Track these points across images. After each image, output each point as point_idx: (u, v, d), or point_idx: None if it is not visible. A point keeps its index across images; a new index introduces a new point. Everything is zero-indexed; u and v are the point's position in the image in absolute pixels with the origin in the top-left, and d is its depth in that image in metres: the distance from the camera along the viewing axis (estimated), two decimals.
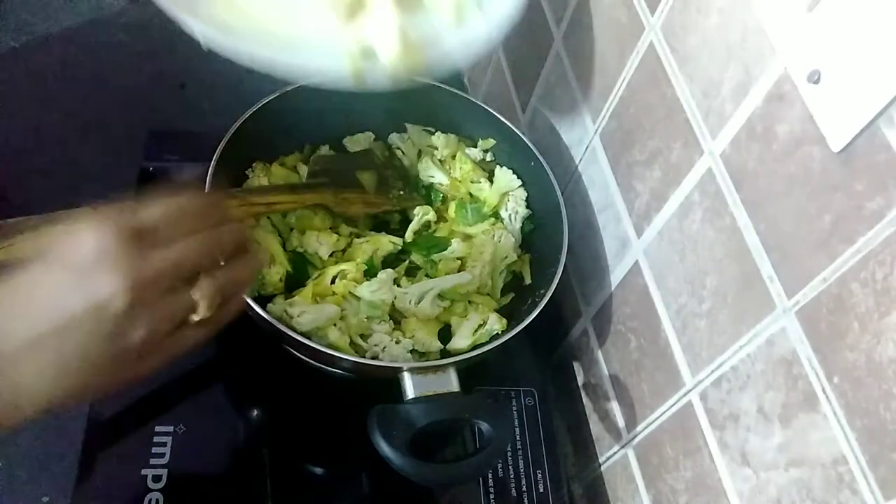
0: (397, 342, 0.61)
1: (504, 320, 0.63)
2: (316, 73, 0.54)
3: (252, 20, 0.56)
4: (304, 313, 0.58)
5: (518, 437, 0.66)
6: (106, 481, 0.56)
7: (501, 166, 0.74)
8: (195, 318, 0.42)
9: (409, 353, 0.61)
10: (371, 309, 0.61)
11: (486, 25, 0.58)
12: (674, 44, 0.54)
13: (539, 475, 0.65)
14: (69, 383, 0.39)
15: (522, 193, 0.73)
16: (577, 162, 0.71)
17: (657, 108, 0.57)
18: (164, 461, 0.58)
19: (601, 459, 0.68)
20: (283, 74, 0.53)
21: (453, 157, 0.75)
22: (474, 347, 0.60)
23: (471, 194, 0.72)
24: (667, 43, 0.55)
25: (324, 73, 0.54)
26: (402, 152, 0.74)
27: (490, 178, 0.73)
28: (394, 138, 0.75)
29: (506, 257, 0.69)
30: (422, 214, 0.69)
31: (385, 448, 0.49)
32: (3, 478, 0.58)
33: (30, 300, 0.39)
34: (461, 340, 0.62)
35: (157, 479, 0.57)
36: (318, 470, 0.63)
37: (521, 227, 0.71)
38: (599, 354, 0.69)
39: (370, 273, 0.63)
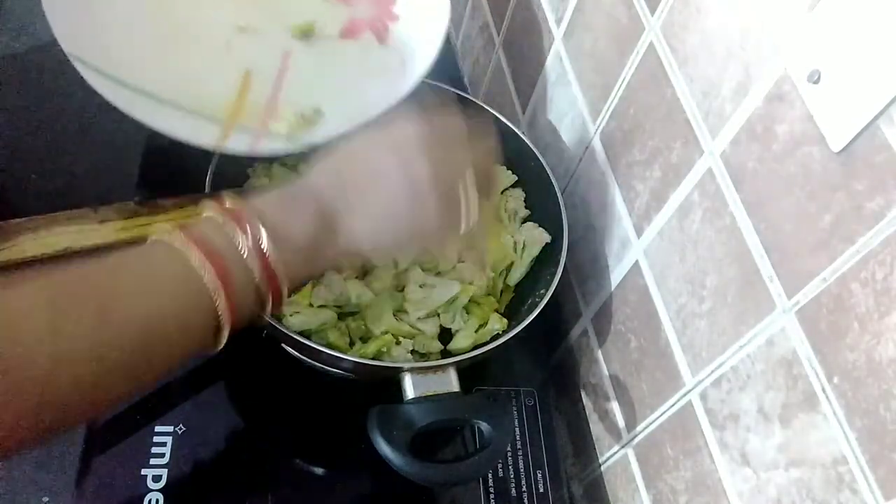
0: (398, 342, 0.61)
1: (504, 320, 0.63)
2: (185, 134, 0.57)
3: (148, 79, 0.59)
4: (297, 314, 0.58)
5: (518, 437, 0.66)
6: (106, 481, 0.56)
7: (495, 164, 0.74)
8: (463, 226, 0.50)
9: (409, 353, 0.61)
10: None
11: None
12: (674, 44, 0.54)
13: (539, 475, 0.65)
14: (381, 239, 0.49)
15: (521, 193, 0.73)
16: (577, 162, 0.71)
17: (657, 108, 0.57)
18: (164, 461, 0.58)
19: (601, 459, 0.69)
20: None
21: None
22: (474, 347, 0.60)
23: None
24: (667, 43, 0.55)
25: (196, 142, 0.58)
26: None
27: None
28: None
29: (505, 257, 0.69)
30: None
31: (385, 448, 0.49)
32: (3, 478, 0.58)
33: (359, 163, 0.48)
34: (461, 340, 0.62)
35: (157, 479, 0.57)
36: (318, 470, 0.63)
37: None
38: (599, 354, 0.69)
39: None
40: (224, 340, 0.43)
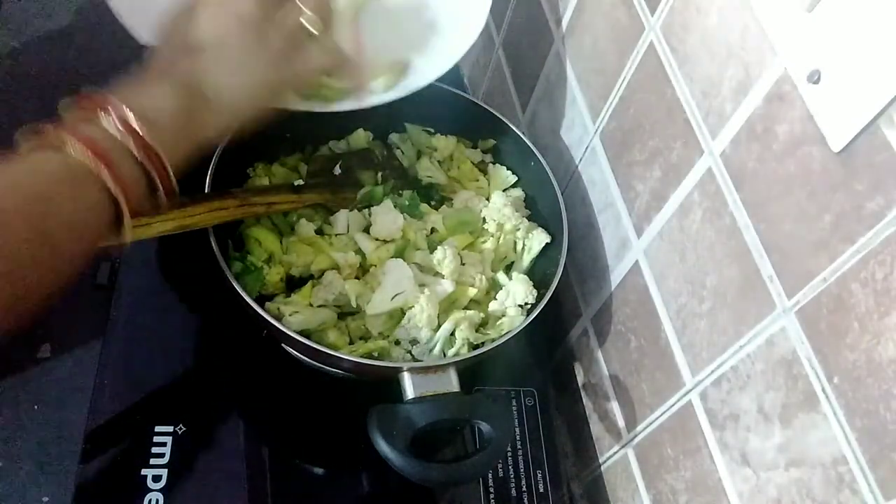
0: (397, 343, 0.61)
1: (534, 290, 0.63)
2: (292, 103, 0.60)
3: None
4: (297, 314, 0.58)
5: (518, 437, 0.66)
6: (106, 481, 0.56)
7: (495, 164, 0.74)
8: (313, 31, 0.54)
9: (409, 353, 0.61)
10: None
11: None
12: (674, 44, 0.54)
13: (539, 475, 0.65)
14: (245, 83, 0.52)
15: (521, 193, 0.73)
16: (577, 162, 0.71)
17: (657, 108, 0.57)
18: (164, 461, 0.58)
19: (601, 459, 0.69)
20: None
21: (452, 157, 0.75)
22: (474, 347, 0.60)
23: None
24: (667, 43, 0.55)
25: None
26: (402, 152, 0.74)
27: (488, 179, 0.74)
28: (393, 138, 0.75)
29: (505, 257, 0.69)
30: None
31: (385, 448, 0.49)
32: (3, 478, 0.58)
33: (193, 23, 0.51)
34: (462, 340, 0.62)
35: (157, 479, 0.57)
36: (318, 470, 0.63)
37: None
38: (599, 354, 0.69)
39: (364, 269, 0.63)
40: (129, 227, 0.44)
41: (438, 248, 0.64)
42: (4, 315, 0.39)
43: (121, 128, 0.44)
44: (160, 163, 0.45)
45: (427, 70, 0.64)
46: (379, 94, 0.62)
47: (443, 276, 0.63)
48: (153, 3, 0.59)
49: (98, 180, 0.42)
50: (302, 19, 0.54)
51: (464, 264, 0.66)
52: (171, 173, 0.46)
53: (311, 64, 0.56)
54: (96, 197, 0.42)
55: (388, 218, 0.65)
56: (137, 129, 0.44)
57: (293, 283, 0.63)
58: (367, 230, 0.66)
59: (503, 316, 0.64)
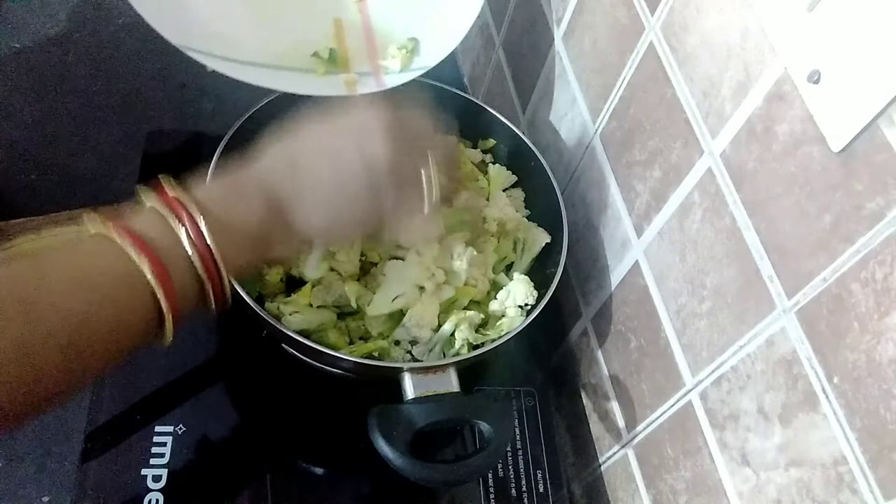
0: (397, 343, 0.61)
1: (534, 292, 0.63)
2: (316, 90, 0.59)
3: (246, 51, 0.60)
4: (297, 314, 0.58)
5: (518, 437, 0.66)
6: (106, 481, 0.56)
7: (495, 164, 0.74)
8: (426, 209, 0.51)
9: (408, 353, 0.61)
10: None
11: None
12: (674, 44, 0.54)
13: (539, 475, 0.65)
14: (335, 224, 0.48)
15: (521, 193, 0.73)
16: (577, 162, 0.71)
17: (657, 108, 0.57)
18: (164, 461, 0.58)
19: (601, 459, 0.68)
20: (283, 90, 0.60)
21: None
22: (474, 347, 0.60)
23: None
24: (667, 43, 0.55)
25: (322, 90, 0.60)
26: None
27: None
28: None
29: (505, 258, 0.69)
30: None
31: (385, 448, 0.49)
32: (3, 478, 0.58)
33: (313, 144, 0.48)
34: (462, 340, 0.62)
35: (157, 479, 0.57)
36: (318, 470, 0.63)
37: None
38: (599, 354, 0.69)
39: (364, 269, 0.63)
40: (171, 333, 0.41)
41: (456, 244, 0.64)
42: (22, 415, 0.36)
43: (192, 236, 0.41)
44: (218, 277, 0.43)
45: (436, 48, 0.64)
46: (395, 73, 0.62)
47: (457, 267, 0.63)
48: (179, 4, 0.60)
49: (148, 287, 0.39)
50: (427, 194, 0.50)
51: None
52: (227, 288, 0.44)
53: (410, 234, 0.54)
54: (143, 302, 0.40)
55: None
56: (209, 243, 0.42)
57: (293, 284, 0.63)
58: None
59: (503, 316, 0.64)
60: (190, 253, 0.41)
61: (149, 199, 0.43)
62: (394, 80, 0.62)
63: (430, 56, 0.63)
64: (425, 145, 0.51)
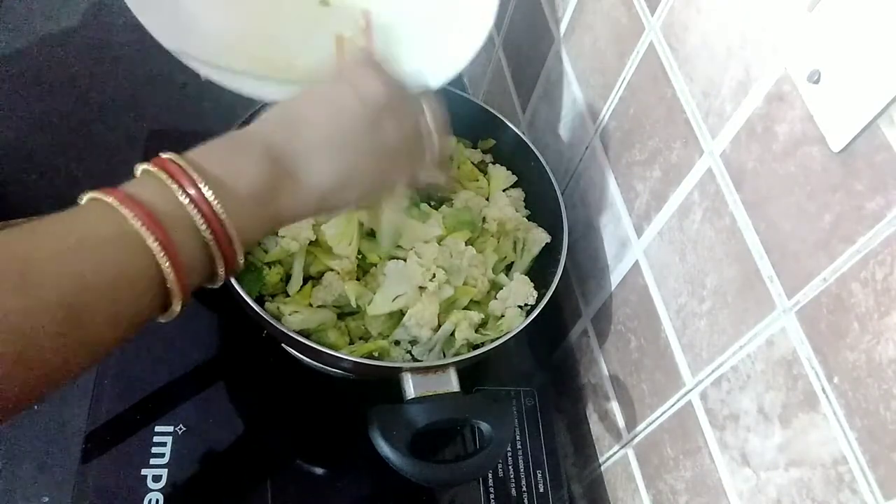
0: (397, 343, 0.61)
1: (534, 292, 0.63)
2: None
3: (242, 60, 0.60)
4: (296, 313, 0.58)
5: (518, 437, 0.66)
6: (106, 481, 0.56)
7: (495, 164, 0.74)
8: (429, 159, 0.51)
9: (408, 353, 0.61)
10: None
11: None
12: (674, 44, 0.54)
13: (539, 475, 0.65)
14: (342, 168, 0.46)
15: (521, 193, 0.73)
16: (577, 162, 0.71)
17: (657, 108, 0.57)
18: (164, 461, 0.58)
19: (601, 459, 0.69)
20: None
21: (452, 157, 0.75)
22: (474, 347, 0.60)
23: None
24: (667, 43, 0.55)
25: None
26: None
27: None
28: None
29: (505, 257, 0.69)
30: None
31: (385, 448, 0.49)
32: (3, 478, 0.58)
33: (311, 98, 0.47)
34: (462, 340, 0.62)
35: (157, 479, 0.57)
36: (319, 470, 0.63)
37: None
38: (599, 354, 0.69)
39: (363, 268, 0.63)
40: (179, 305, 0.39)
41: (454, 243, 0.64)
42: (21, 397, 0.34)
43: (194, 197, 0.39)
44: (228, 241, 0.40)
45: (438, 72, 0.64)
46: None
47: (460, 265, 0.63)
48: (174, 5, 0.60)
49: (149, 251, 0.37)
50: (423, 120, 0.50)
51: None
52: (239, 253, 0.41)
53: (417, 173, 0.51)
54: (144, 267, 0.37)
55: (392, 217, 0.65)
56: (210, 201, 0.39)
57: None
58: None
59: (503, 316, 0.64)
60: (195, 217, 0.39)
61: (146, 164, 0.40)
62: None
63: (431, 80, 0.64)
64: (417, 104, 0.51)
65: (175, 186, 0.39)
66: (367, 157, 0.47)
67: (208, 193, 0.39)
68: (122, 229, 0.37)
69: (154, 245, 0.37)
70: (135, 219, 0.37)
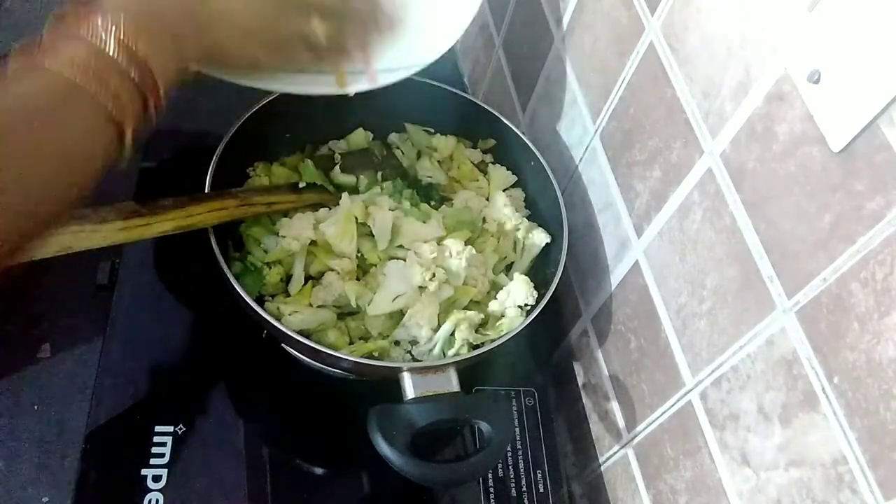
0: (397, 343, 0.61)
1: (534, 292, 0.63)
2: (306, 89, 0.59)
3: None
4: (296, 313, 0.58)
5: (518, 437, 0.66)
6: (106, 481, 0.56)
7: (495, 164, 0.74)
8: (321, 38, 0.54)
9: (408, 353, 0.61)
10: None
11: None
12: (674, 44, 0.54)
13: (539, 475, 0.65)
14: (258, 8, 0.50)
15: (521, 193, 0.73)
16: (577, 162, 0.71)
17: (657, 108, 0.57)
18: (164, 461, 0.58)
19: (601, 459, 0.68)
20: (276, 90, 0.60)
21: (452, 157, 0.75)
22: (474, 347, 0.60)
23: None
24: (667, 43, 0.55)
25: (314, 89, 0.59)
26: (402, 152, 0.74)
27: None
28: (393, 138, 0.75)
29: (505, 257, 0.69)
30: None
31: (385, 448, 0.49)
32: (3, 478, 0.58)
33: None
34: (462, 340, 0.62)
35: (157, 479, 0.57)
36: (319, 470, 0.63)
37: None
38: (599, 354, 0.69)
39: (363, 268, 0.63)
40: (129, 144, 0.42)
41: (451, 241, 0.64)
42: (12, 235, 0.37)
43: (114, 37, 0.41)
44: (152, 78, 0.43)
45: (433, 43, 0.63)
46: (389, 72, 0.61)
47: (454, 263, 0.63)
48: None
49: (93, 99, 0.40)
50: None
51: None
52: (162, 90, 0.44)
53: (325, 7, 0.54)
54: (92, 115, 0.40)
55: (385, 216, 0.65)
56: (131, 42, 0.42)
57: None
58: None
59: (503, 316, 0.64)
60: (119, 56, 0.41)
61: (61, 21, 0.42)
62: (388, 77, 0.61)
63: (427, 52, 0.63)
64: None
65: (98, 30, 0.41)
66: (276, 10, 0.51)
67: (132, 34, 0.41)
68: (58, 79, 0.39)
69: (89, 83, 0.39)
70: (69, 66, 0.39)
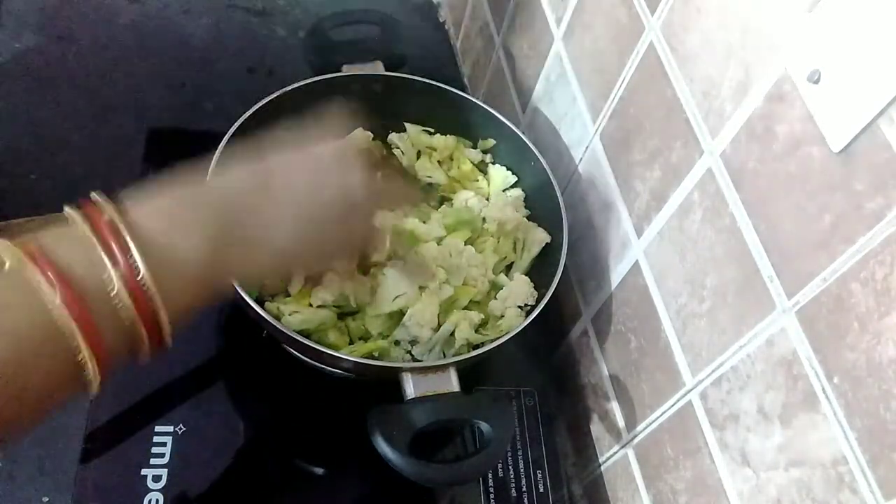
0: (397, 343, 0.61)
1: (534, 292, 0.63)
2: None
3: None
4: (297, 313, 0.58)
5: (518, 437, 0.66)
6: (106, 481, 0.56)
7: (495, 164, 0.74)
8: (377, 252, 0.56)
9: (408, 353, 0.61)
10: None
11: None
12: (674, 44, 0.54)
13: (539, 475, 0.65)
14: (294, 253, 0.45)
15: (521, 193, 0.73)
16: (577, 162, 0.71)
17: (657, 108, 0.57)
18: (164, 461, 0.58)
19: (601, 459, 0.68)
20: None
21: (452, 157, 0.75)
22: (474, 347, 0.60)
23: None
24: (667, 43, 0.55)
25: None
26: (402, 152, 0.74)
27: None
28: (393, 138, 0.75)
29: (505, 257, 0.69)
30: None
31: (385, 448, 0.49)
32: (3, 478, 0.58)
33: (290, 177, 0.44)
34: (462, 340, 0.62)
35: (157, 479, 0.57)
36: (319, 470, 0.63)
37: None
38: (599, 354, 0.69)
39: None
40: (96, 383, 0.35)
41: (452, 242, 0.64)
42: None
43: (123, 271, 0.35)
44: (155, 321, 0.36)
45: None
46: None
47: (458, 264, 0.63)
48: None
49: (74, 343, 0.33)
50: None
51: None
52: (167, 332, 0.37)
53: (372, 246, 0.55)
54: (70, 357, 0.33)
55: (385, 216, 0.65)
56: (142, 286, 0.35)
57: None
58: None
59: (503, 316, 0.64)
60: (121, 295, 0.34)
61: (77, 222, 0.36)
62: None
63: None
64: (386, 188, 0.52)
65: (105, 257, 0.34)
66: (324, 240, 0.47)
67: (143, 269, 0.35)
68: (49, 315, 0.32)
69: (74, 326, 0.33)
70: (63, 303, 0.32)
